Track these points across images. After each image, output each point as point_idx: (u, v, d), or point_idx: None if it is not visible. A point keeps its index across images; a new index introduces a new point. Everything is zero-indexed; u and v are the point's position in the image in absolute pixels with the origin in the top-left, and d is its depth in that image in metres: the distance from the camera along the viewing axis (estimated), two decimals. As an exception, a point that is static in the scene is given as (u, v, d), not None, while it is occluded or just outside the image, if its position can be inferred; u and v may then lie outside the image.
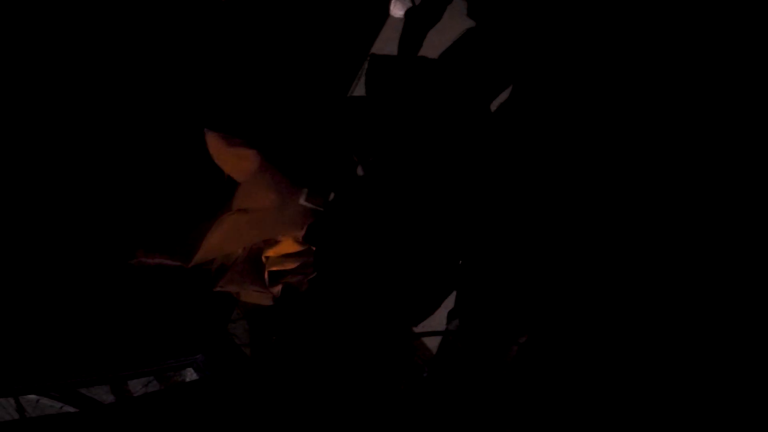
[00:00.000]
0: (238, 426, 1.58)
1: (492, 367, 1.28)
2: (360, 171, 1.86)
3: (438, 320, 1.88)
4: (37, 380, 1.59)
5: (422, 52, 1.93)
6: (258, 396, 1.67)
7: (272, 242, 1.47)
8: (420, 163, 1.84)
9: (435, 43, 1.92)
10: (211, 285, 1.49)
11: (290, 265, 1.49)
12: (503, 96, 1.85)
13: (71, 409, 1.74)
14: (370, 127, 1.91)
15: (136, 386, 1.82)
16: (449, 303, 1.83)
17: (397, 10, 1.92)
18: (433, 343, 1.89)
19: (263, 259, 1.48)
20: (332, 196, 1.57)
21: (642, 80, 1.60)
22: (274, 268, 1.51)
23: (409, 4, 1.92)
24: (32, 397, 1.71)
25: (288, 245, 1.51)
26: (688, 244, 1.43)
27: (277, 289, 1.58)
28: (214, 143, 1.41)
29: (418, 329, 1.87)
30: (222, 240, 1.42)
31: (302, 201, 1.46)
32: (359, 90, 1.98)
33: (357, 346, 1.80)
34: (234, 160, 1.42)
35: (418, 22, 1.93)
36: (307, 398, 1.72)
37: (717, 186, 1.44)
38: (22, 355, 1.62)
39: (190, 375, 1.77)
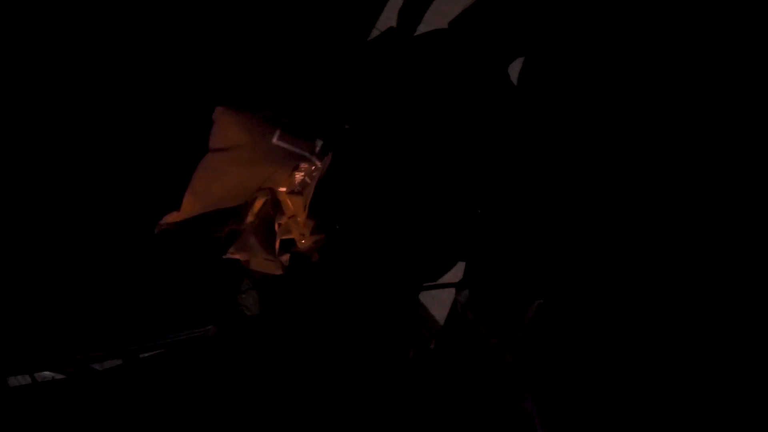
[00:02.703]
0: (240, 387, 1.59)
1: (507, 334, 1.28)
2: (366, 137, 1.85)
3: (447, 292, 1.89)
4: (51, 357, 1.60)
5: (432, 21, 1.89)
6: (264, 362, 1.68)
7: (280, 207, 1.46)
8: (428, 130, 1.82)
9: (445, 12, 1.88)
10: (221, 252, 1.48)
11: (300, 230, 1.49)
12: (515, 70, 1.82)
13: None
14: (376, 93, 1.89)
15: (147, 359, 1.83)
16: (458, 274, 1.83)
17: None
18: (440, 314, 1.90)
19: (276, 226, 1.47)
20: (319, 144, 1.52)
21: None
22: (286, 237, 1.50)
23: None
24: (47, 374, 1.71)
25: (298, 208, 1.49)
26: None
27: (286, 257, 1.57)
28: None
29: (425, 299, 1.88)
30: (206, 182, 1.43)
31: (275, 140, 1.44)
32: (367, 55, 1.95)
33: (364, 315, 1.80)
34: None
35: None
36: (314, 367, 1.73)
37: (717, 184, 1.43)
38: (35, 333, 1.64)
39: (200, 346, 1.77)
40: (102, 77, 1.72)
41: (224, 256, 1.47)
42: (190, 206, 1.44)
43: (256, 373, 1.68)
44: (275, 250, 1.51)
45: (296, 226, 1.47)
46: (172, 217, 1.45)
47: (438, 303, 1.91)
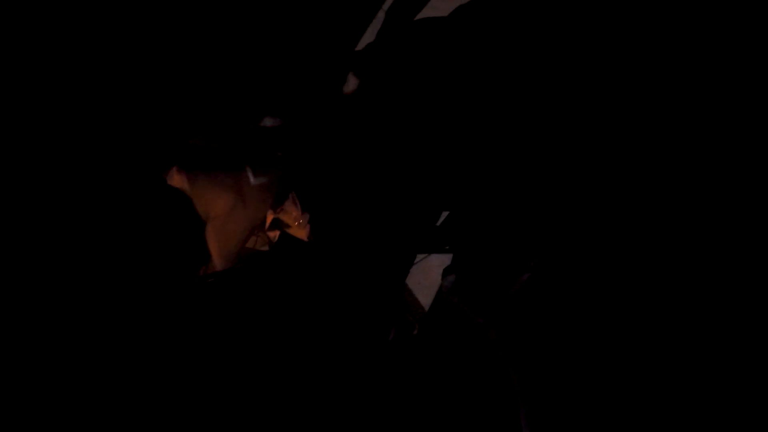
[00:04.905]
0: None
1: (491, 311, 1.28)
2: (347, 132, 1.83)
3: (434, 278, 1.88)
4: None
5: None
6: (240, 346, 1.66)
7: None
8: (412, 120, 1.82)
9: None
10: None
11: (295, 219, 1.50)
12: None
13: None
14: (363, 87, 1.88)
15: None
16: (446, 260, 1.83)
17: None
18: (425, 299, 1.90)
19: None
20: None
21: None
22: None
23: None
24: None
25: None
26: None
27: (275, 234, 1.55)
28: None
29: (413, 285, 1.87)
30: (223, 243, 1.45)
31: (253, 182, 1.44)
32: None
33: (348, 298, 1.79)
34: None
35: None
36: (297, 351, 1.71)
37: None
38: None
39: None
40: (83, 77, 1.69)
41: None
42: (222, 263, 1.46)
43: (230, 361, 1.66)
44: (265, 224, 1.49)
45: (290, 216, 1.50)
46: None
47: (425, 289, 1.91)
